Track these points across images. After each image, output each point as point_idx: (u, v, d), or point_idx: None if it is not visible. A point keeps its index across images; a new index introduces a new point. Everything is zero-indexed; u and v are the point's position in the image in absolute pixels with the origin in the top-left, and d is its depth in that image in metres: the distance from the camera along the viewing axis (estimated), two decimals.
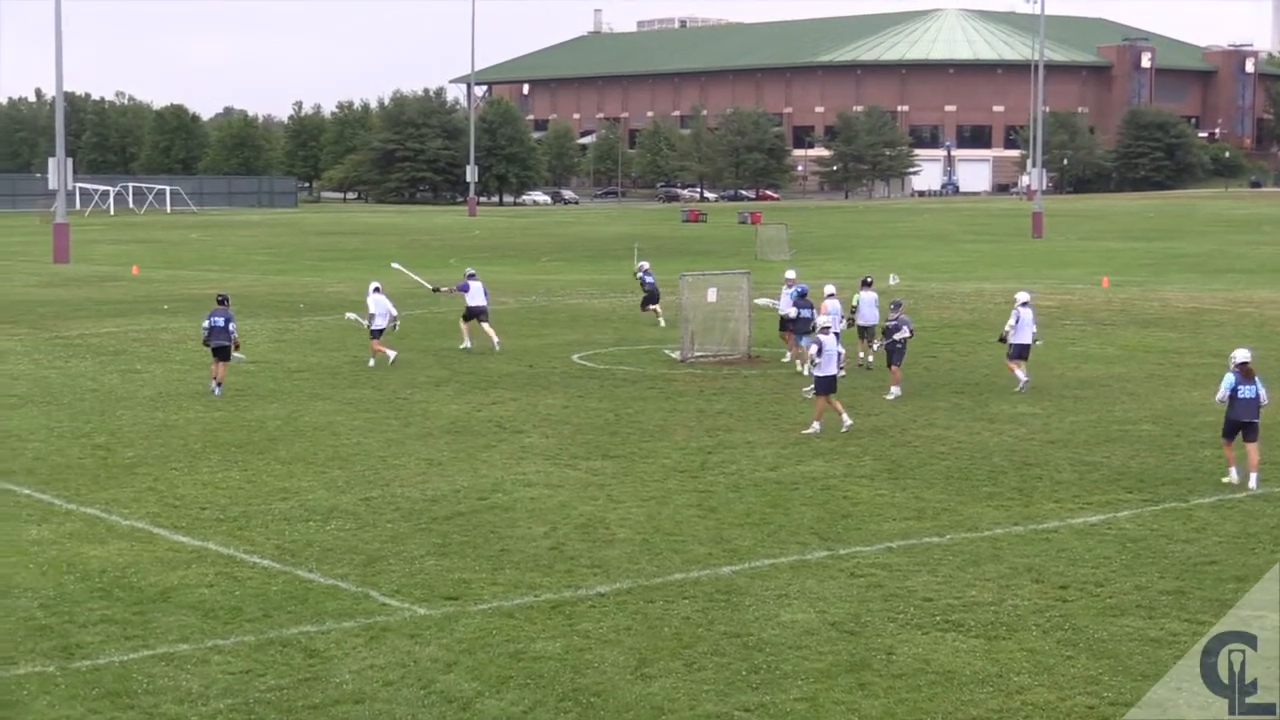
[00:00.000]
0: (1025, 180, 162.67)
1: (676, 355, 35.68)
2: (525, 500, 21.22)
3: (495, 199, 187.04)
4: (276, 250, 73.98)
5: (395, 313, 34.74)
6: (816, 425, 26.17)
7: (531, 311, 47.21)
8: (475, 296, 36.96)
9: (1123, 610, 16.10)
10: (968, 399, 29.99)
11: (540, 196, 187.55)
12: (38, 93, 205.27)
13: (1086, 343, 38.70)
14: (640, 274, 43.02)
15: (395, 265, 41.76)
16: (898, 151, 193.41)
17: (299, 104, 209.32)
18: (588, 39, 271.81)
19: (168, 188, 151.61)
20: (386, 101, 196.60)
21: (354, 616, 15.93)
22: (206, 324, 30.51)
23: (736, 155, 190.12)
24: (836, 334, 27.04)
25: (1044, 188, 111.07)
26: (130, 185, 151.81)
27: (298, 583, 17.15)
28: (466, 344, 36.79)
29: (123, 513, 20.41)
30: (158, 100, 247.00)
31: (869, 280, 35.52)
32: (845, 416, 26.20)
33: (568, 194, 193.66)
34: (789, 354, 34.53)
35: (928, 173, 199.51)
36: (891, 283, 35.45)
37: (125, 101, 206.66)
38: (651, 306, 42.59)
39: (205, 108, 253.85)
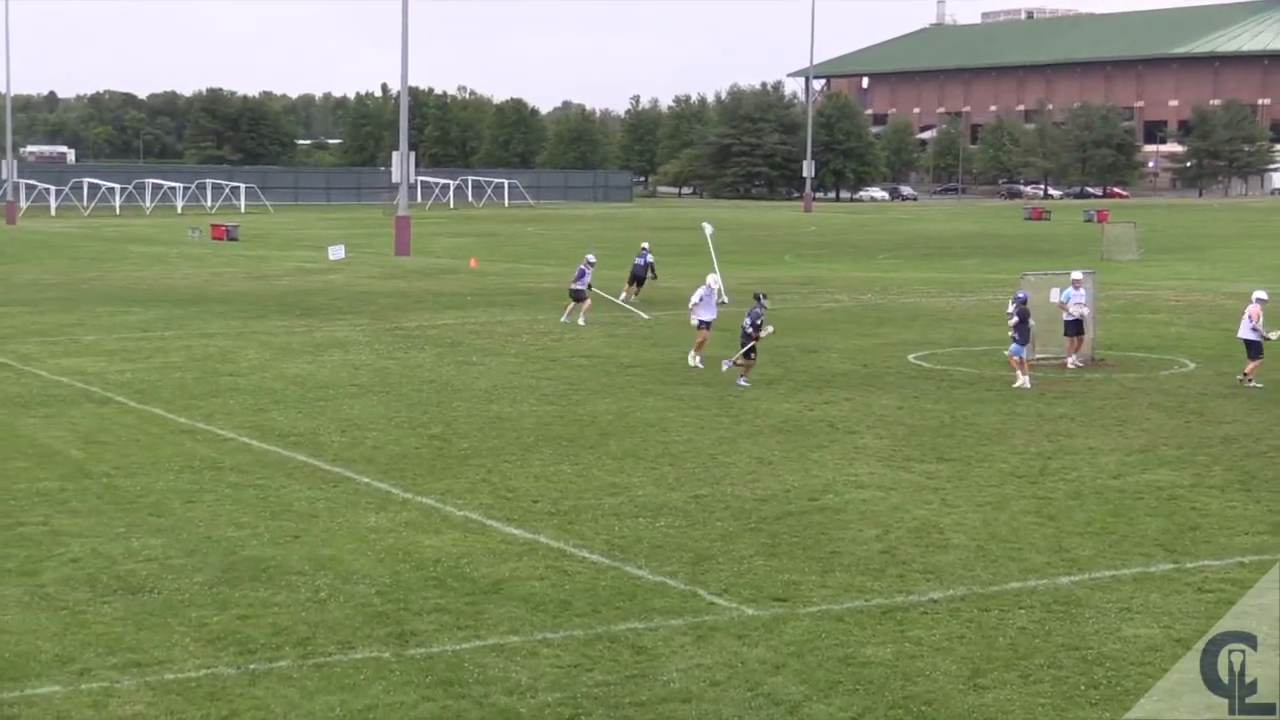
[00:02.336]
0: None
1: None
2: (857, 502, 20.88)
3: (832, 195, 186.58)
4: (611, 244, 74.84)
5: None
6: None
7: (867, 310, 46.78)
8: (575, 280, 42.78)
9: None
10: None
11: (878, 193, 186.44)
12: (384, 88, 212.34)
13: None
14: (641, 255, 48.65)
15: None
16: (1257, 147, 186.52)
17: (636, 98, 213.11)
18: (930, 31, 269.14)
19: (506, 181, 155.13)
20: (723, 95, 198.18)
21: (681, 615, 15.80)
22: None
23: (1083, 151, 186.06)
24: None
25: None
26: (469, 179, 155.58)
27: (626, 579, 17.11)
28: (579, 320, 41.93)
29: (457, 503, 20.69)
30: (498, 95, 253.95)
31: None
32: None
33: (906, 190, 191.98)
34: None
35: None
36: None
37: (466, 96, 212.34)
38: (630, 286, 48.10)
39: (544, 102, 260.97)
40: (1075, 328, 33.97)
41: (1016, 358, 31.10)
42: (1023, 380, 30.93)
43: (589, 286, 42.45)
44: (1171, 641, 14.99)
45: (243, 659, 14.40)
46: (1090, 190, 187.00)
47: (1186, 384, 31.64)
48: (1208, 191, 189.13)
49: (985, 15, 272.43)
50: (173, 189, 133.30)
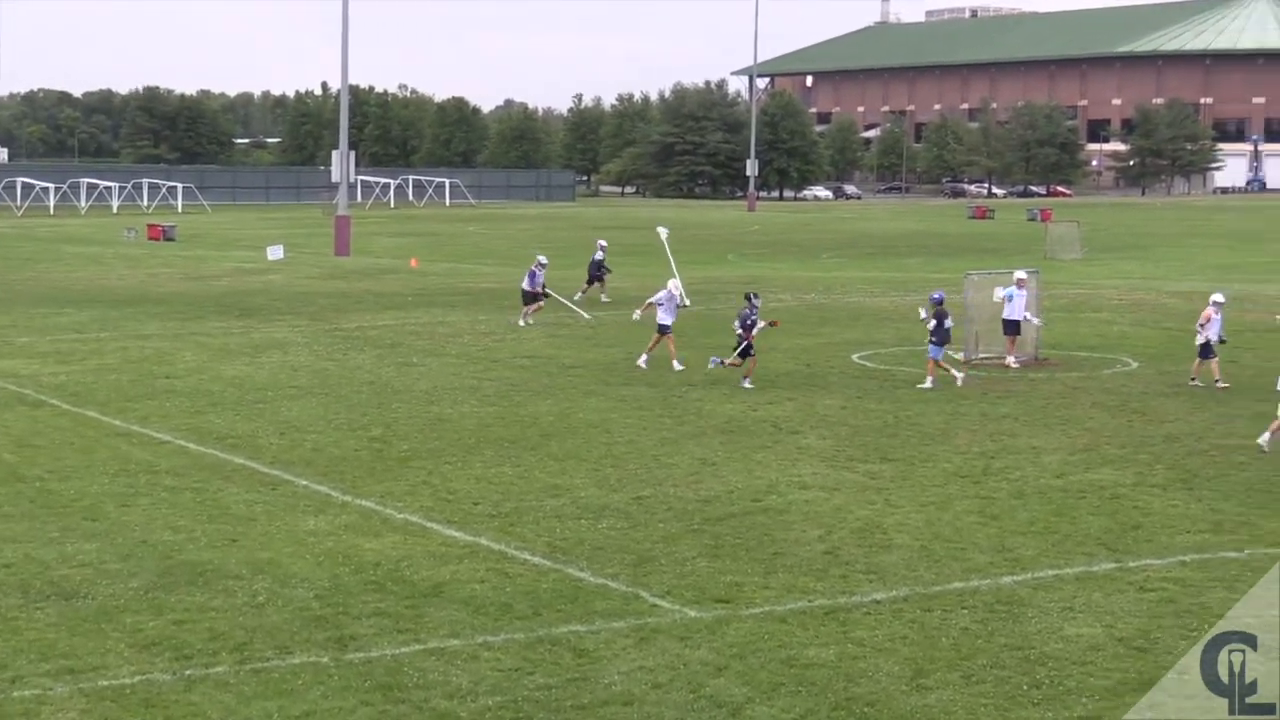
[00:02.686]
0: None
1: (960, 356, 34.85)
2: (800, 503, 20.82)
3: (776, 194, 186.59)
4: (553, 244, 74.62)
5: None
6: None
7: (810, 309, 46.73)
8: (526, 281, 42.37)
9: None
10: (1272, 406, 28.54)
11: (822, 192, 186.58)
12: (323, 86, 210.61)
13: None
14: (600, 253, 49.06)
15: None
16: (1199, 146, 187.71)
17: (579, 97, 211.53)
18: (874, 29, 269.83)
19: (447, 180, 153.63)
20: (667, 94, 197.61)
21: (624, 617, 15.75)
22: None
23: (1027, 150, 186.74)
24: None
25: None
26: (410, 178, 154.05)
27: (568, 581, 17.03)
28: (520, 321, 41.42)
29: (397, 506, 20.56)
30: (439, 93, 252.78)
31: None
32: None
33: (850, 189, 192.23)
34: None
35: (1232, 168, 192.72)
36: None
37: (407, 94, 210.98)
38: (590, 284, 48.61)
39: (486, 100, 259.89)
40: (1014, 327, 33.98)
41: (932, 360, 31.02)
42: (929, 382, 30.83)
43: (544, 288, 42.18)
44: (1114, 641, 15.03)
45: (179, 665, 14.26)
46: (1034, 189, 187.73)
47: (1129, 383, 31.75)
48: (1151, 190, 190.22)
49: (929, 14, 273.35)
50: (108, 188, 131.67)
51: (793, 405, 28.72)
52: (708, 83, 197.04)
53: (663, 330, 33.43)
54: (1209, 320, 30.90)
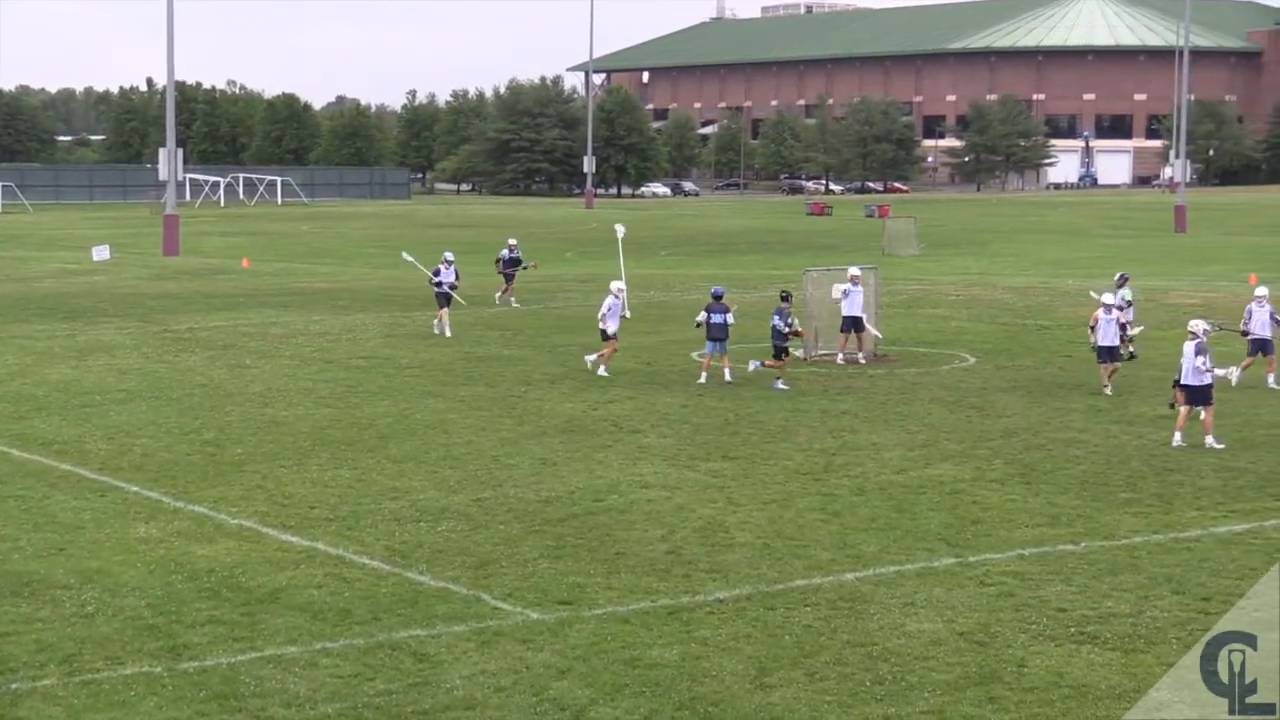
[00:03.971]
0: (1168, 172, 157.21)
1: (800, 354, 35.02)
2: (642, 502, 20.79)
3: (613, 191, 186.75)
4: (388, 243, 74.11)
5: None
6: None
7: (650, 307, 46.75)
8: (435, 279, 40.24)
9: None
10: (1105, 400, 29.17)
11: (660, 188, 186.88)
12: (149, 82, 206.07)
13: (1233, 342, 37.22)
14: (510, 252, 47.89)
15: (405, 257, 42.83)
16: (1033, 142, 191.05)
17: (412, 93, 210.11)
18: (710, 25, 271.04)
19: (278, 179, 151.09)
20: (502, 90, 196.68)
21: (465, 620, 15.63)
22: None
23: (864, 146, 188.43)
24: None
25: (1188, 180, 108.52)
26: (241, 176, 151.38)
27: (408, 585, 16.87)
28: (446, 332, 38.80)
29: (231, 511, 20.25)
30: (269, 89, 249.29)
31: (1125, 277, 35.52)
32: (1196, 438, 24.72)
33: (688, 186, 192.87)
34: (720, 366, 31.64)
35: (1064, 164, 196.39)
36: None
37: (236, 91, 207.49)
38: (507, 283, 47.53)
39: (317, 97, 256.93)
40: (852, 323, 34.13)
41: (713, 354, 31.17)
42: (705, 378, 31.00)
43: (453, 287, 40.20)
44: (955, 635, 15.16)
45: (3, 678, 13.97)
46: (871, 185, 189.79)
47: (967, 378, 32.11)
48: (985, 186, 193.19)
49: (765, 9, 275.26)
50: None
51: (633, 404, 28.68)
52: (543, 79, 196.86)
53: (609, 336, 32.57)
54: (1096, 322, 30.47)
